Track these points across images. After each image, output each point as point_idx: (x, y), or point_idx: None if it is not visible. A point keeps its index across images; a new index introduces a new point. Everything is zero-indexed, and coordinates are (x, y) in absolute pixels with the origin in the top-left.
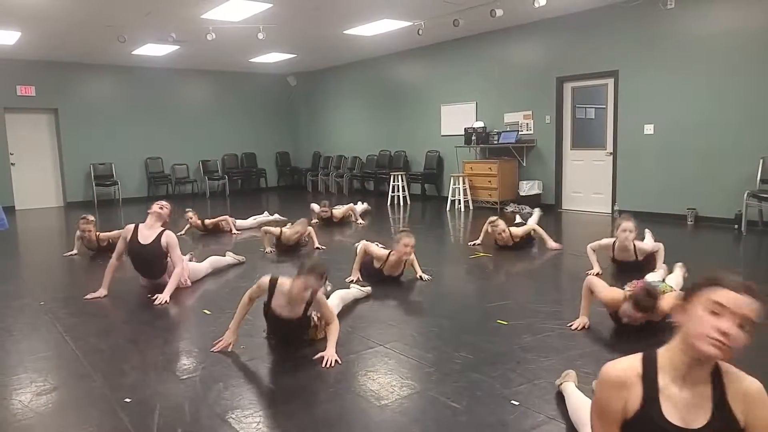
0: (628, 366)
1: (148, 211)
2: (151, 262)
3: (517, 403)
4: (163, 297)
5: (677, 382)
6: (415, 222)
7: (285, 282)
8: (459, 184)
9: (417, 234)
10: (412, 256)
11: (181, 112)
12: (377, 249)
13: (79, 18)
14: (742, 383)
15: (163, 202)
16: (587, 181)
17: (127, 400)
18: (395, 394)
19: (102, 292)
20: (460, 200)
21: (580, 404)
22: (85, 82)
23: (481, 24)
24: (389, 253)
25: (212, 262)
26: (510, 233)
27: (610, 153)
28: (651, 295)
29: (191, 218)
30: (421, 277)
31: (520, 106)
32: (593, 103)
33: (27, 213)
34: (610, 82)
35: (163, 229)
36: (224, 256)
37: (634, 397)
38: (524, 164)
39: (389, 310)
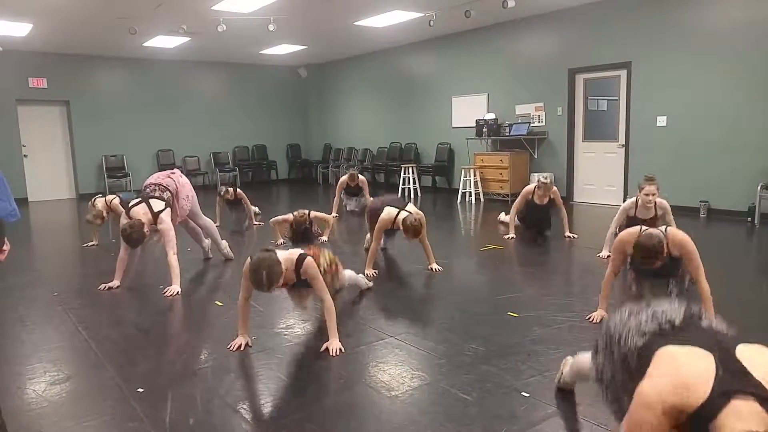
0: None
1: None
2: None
3: (527, 395)
4: (173, 289)
5: None
6: (426, 214)
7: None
8: (470, 176)
9: (428, 227)
10: (425, 240)
11: (192, 104)
12: (386, 216)
13: (90, 10)
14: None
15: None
16: (599, 174)
17: (140, 390)
18: (405, 385)
19: (115, 282)
20: (471, 193)
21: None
22: (96, 74)
23: (493, 15)
24: (397, 213)
25: (209, 224)
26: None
27: (623, 145)
28: (652, 237)
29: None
30: (432, 268)
31: (531, 97)
32: (605, 94)
33: (39, 204)
34: (623, 73)
35: (154, 217)
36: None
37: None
38: (536, 156)
39: (400, 301)
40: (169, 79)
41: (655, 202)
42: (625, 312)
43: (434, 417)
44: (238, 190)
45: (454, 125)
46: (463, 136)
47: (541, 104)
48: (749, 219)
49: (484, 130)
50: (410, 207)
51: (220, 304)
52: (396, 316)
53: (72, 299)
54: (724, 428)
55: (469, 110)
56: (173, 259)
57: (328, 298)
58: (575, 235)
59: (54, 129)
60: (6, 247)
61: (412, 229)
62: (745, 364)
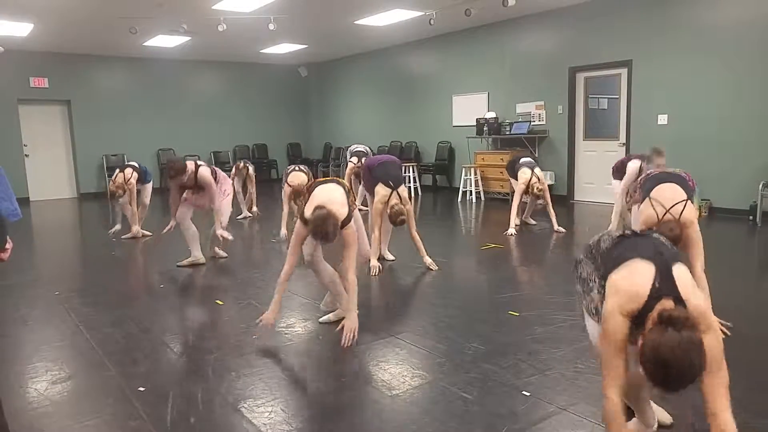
0: (635, 297)
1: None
2: (198, 188)
3: (528, 394)
4: (222, 232)
5: None
6: (426, 213)
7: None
8: (470, 175)
9: (428, 225)
10: (413, 230)
11: (193, 103)
12: (380, 198)
13: (91, 10)
14: None
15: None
16: (600, 172)
17: (141, 389)
18: (406, 384)
19: (172, 223)
20: (471, 191)
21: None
22: (97, 74)
23: (493, 13)
24: (390, 194)
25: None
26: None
27: (623, 144)
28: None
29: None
30: (425, 262)
31: (532, 96)
32: (606, 93)
33: (41, 204)
34: (624, 72)
35: (196, 168)
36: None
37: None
38: (536, 155)
39: (400, 300)
40: (169, 79)
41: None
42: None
43: (435, 416)
44: (251, 170)
45: (454, 124)
46: (464, 134)
47: (542, 103)
48: (751, 217)
49: (485, 128)
50: (402, 189)
51: (220, 303)
52: (396, 314)
53: (73, 298)
54: (653, 314)
55: (469, 109)
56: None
57: (353, 276)
58: (563, 230)
59: (55, 128)
60: (8, 245)
61: (393, 218)
62: (675, 278)
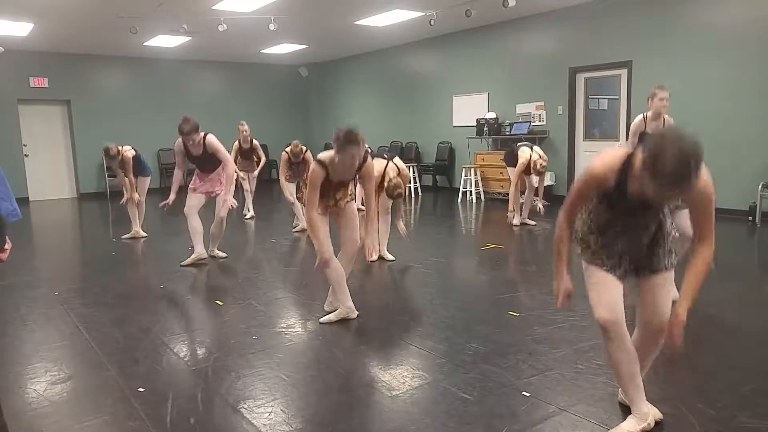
0: (609, 168)
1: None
2: (211, 161)
3: (528, 394)
4: (229, 201)
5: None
6: (426, 214)
7: (330, 155)
8: (471, 175)
9: (429, 226)
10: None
11: (193, 103)
12: (376, 171)
13: (91, 9)
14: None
15: (187, 138)
16: None
17: (141, 389)
18: (406, 384)
19: (172, 197)
20: (471, 192)
21: None
22: (97, 74)
23: (494, 14)
24: (386, 165)
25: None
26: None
27: (623, 144)
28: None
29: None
30: (399, 227)
31: (532, 96)
32: (606, 93)
33: (40, 204)
34: (623, 72)
35: (204, 135)
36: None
37: (609, 184)
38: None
39: (400, 300)
40: (169, 79)
41: (664, 118)
42: None
43: (435, 416)
44: (255, 141)
45: (454, 124)
46: (464, 135)
47: (542, 103)
48: (750, 218)
49: (485, 129)
50: (397, 159)
51: (220, 303)
52: (396, 315)
53: (73, 299)
54: (637, 155)
55: (469, 109)
56: (230, 172)
57: (374, 203)
58: (545, 203)
59: (55, 128)
60: (8, 245)
61: (391, 191)
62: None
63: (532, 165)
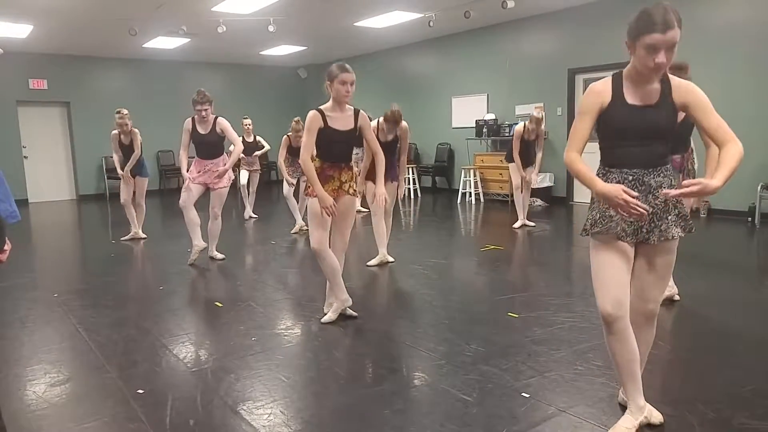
0: (604, 82)
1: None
2: (214, 144)
3: (527, 396)
4: (226, 167)
5: (636, 85)
6: (426, 215)
7: (327, 105)
8: (470, 176)
9: (428, 227)
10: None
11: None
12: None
13: (90, 11)
14: (681, 82)
15: (200, 107)
16: None
17: (140, 391)
18: (406, 386)
19: (186, 174)
20: (471, 193)
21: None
22: (96, 76)
23: (493, 15)
24: (378, 122)
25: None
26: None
27: None
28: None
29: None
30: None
31: (531, 97)
32: None
33: (40, 206)
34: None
35: (215, 117)
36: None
37: (607, 97)
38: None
39: (399, 301)
40: (169, 80)
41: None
42: None
43: (435, 418)
44: (258, 137)
45: (454, 125)
46: (463, 136)
47: (541, 104)
48: (749, 219)
49: (484, 130)
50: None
51: (219, 305)
52: (396, 316)
53: (72, 300)
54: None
55: (469, 110)
56: (238, 148)
57: (381, 154)
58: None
59: (54, 130)
60: (7, 247)
61: (393, 117)
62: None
63: (525, 131)
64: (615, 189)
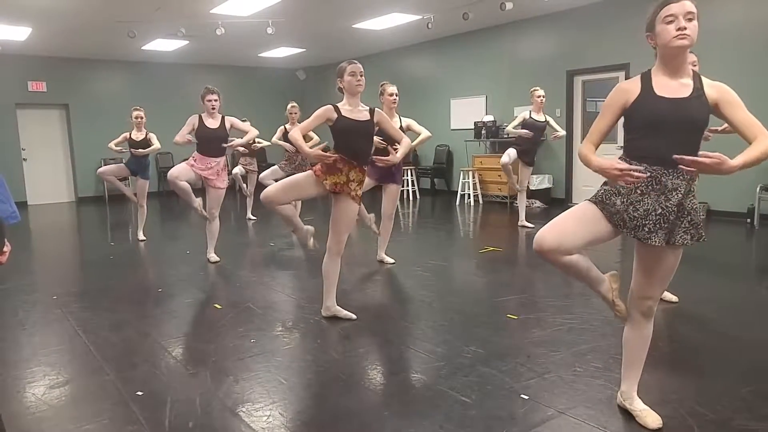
0: (631, 80)
1: (205, 104)
2: (220, 140)
3: (526, 397)
4: (237, 142)
5: (665, 79)
6: (424, 217)
7: (341, 102)
8: (469, 178)
9: (427, 228)
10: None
11: (191, 106)
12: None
13: (89, 14)
14: (713, 81)
15: (211, 96)
16: (598, 175)
17: (139, 393)
18: (405, 388)
19: (188, 137)
20: (469, 195)
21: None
22: (95, 78)
23: (491, 17)
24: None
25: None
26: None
27: (621, 147)
28: None
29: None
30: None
31: (530, 99)
32: (604, 96)
33: (39, 208)
34: (621, 75)
35: (222, 115)
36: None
37: (633, 94)
38: (534, 158)
39: (399, 303)
40: (167, 82)
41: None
42: None
43: (434, 419)
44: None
45: (452, 127)
46: (462, 137)
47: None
48: (748, 220)
49: (483, 131)
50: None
51: (218, 307)
52: (395, 318)
53: (71, 302)
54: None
55: (467, 112)
56: (253, 133)
57: (406, 138)
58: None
59: (53, 132)
60: (7, 248)
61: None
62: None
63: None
64: (609, 162)
